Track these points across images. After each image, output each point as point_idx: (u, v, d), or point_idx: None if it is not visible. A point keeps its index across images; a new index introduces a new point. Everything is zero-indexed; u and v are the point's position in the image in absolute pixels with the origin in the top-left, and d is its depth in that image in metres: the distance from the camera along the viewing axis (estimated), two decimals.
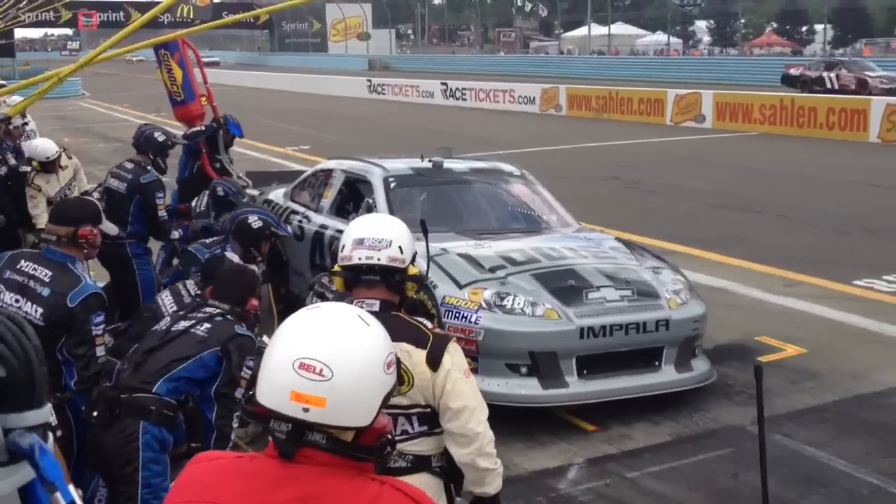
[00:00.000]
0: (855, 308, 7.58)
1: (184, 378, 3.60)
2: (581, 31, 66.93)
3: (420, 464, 2.69)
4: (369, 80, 40.14)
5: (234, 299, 3.90)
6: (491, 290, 5.43)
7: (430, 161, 6.89)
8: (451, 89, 33.26)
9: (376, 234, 2.71)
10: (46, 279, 3.75)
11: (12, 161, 7.50)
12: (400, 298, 2.76)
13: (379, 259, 2.68)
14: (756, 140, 20.25)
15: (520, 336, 5.31)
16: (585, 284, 5.58)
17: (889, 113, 19.00)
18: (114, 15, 59.78)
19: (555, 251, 5.98)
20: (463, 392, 2.63)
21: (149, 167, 6.78)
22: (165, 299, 4.66)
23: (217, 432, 3.62)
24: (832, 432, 5.29)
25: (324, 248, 6.74)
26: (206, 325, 3.71)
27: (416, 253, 2.80)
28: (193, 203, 7.14)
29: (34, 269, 3.78)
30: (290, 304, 6.60)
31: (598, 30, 64.12)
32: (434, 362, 2.61)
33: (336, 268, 2.78)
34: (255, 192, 8.26)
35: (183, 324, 3.76)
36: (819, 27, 59.60)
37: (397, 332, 2.61)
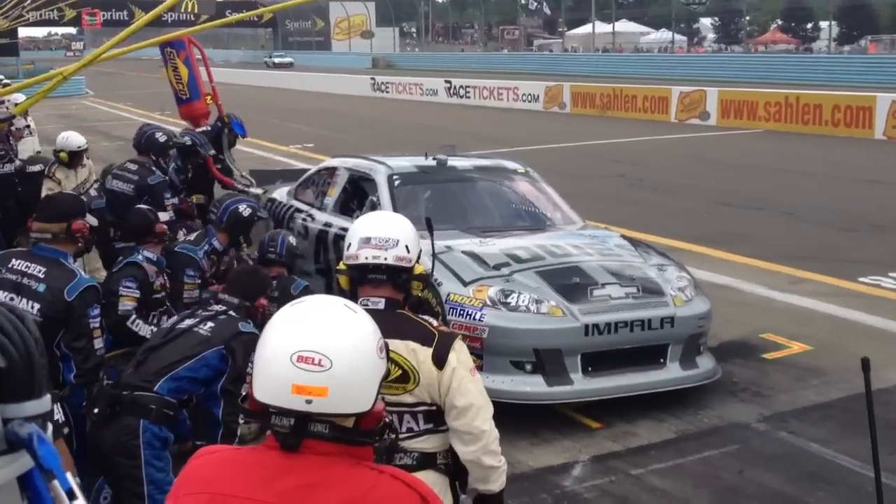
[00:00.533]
0: (860, 305, 7.56)
1: (186, 377, 3.61)
2: (585, 29, 66.90)
3: (425, 461, 2.69)
4: (373, 79, 40.17)
5: (246, 294, 3.95)
6: (496, 288, 5.43)
7: (434, 159, 6.89)
8: (454, 87, 33.26)
9: (383, 234, 2.70)
10: (41, 275, 3.76)
11: (18, 162, 7.50)
12: (405, 296, 2.76)
13: (386, 259, 2.67)
14: (761, 137, 20.22)
15: (524, 333, 5.31)
16: (590, 282, 5.58)
17: (895, 110, 18.94)
18: (118, 13, 59.87)
19: (559, 248, 5.98)
20: (469, 390, 2.63)
21: (153, 168, 6.79)
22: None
23: (224, 428, 3.63)
24: (838, 429, 5.27)
25: (328, 247, 6.74)
26: (210, 324, 3.72)
27: (420, 251, 2.80)
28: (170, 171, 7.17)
29: (27, 267, 3.79)
30: None
31: (602, 27, 64.07)
32: (440, 360, 2.61)
33: (341, 266, 2.77)
34: (258, 191, 8.27)
35: (187, 322, 3.78)
36: (824, 24, 59.48)
37: (403, 330, 2.62)
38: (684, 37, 67.60)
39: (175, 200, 6.87)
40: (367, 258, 2.67)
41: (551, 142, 19.84)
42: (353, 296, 2.65)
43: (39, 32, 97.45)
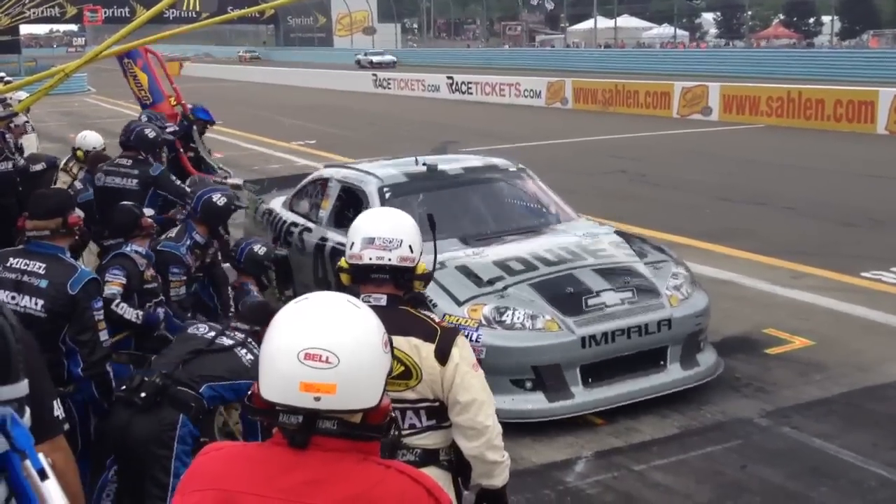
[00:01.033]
0: (862, 300, 7.56)
1: (221, 392, 3.71)
2: (587, 24, 66.83)
3: (428, 457, 2.70)
4: (375, 75, 40.17)
5: (256, 322, 3.96)
6: (490, 306, 5.37)
7: (424, 164, 6.80)
8: (456, 83, 33.24)
9: (387, 234, 2.69)
10: (42, 271, 3.77)
11: (21, 161, 7.52)
12: (405, 291, 2.76)
13: (390, 259, 2.67)
14: (763, 132, 20.19)
15: (522, 351, 5.26)
16: (584, 290, 5.53)
17: None
18: (119, 10, 59.83)
19: (552, 254, 5.88)
20: (472, 385, 2.64)
21: (150, 159, 6.82)
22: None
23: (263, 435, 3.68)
24: (840, 424, 5.28)
25: (325, 262, 6.66)
26: (250, 357, 3.75)
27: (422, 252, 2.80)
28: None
29: (26, 265, 3.79)
30: None
31: (604, 23, 64.02)
32: (442, 356, 2.62)
33: (343, 263, 2.77)
34: (238, 181, 8.29)
35: (227, 341, 3.85)
36: (826, 19, 59.39)
37: (406, 326, 2.63)
38: (686, 32, 67.50)
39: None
40: (371, 259, 2.68)
41: (553, 138, 19.84)
42: (353, 292, 2.66)
43: (41, 29, 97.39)
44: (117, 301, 4.60)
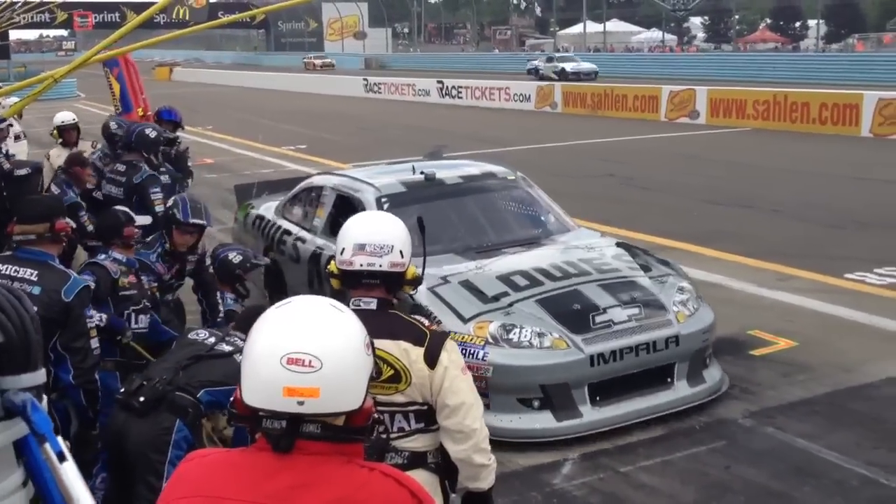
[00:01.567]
0: (846, 301, 7.63)
1: (219, 398, 3.67)
2: (577, 29, 67.03)
3: (416, 460, 2.73)
4: (365, 79, 40.18)
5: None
6: (496, 323, 5.25)
7: (422, 173, 6.63)
8: (447, 87, 33.30)
9: (378, 240, 2.71)
10: (34, 278, 3.72)
11: (7, 165, 7.54)
12: (394, 294, 2.80)
13: (381, 266, 2.70)
14: (750, 136, 20.32)
15: (529, 370, 5.15)
16: (591, 307, 5.42)
17: (881, 107, 19.07)
18: (109, 15, 59.83)
19: (557, 269, 5.76)
20: (460, 388, 2.66)
21: (141, 164, 6.81)
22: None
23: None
24: (823, 424, 5.34)
25: (321, 272, 6.45)
26: None
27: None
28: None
29: (17, 271, 3.74)
30: None
31: (593, 27, 64.27)
32: (432, 359, 2.64)
33: (333, 268, 2.80)
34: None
35: (226, 347, 3.81)
36: (812, 23, 59.76)
37: (396, 330, 2.66)
38: (674, 36, 67.80)
39: (161, 195, 6.72)
40: (362, 265, 2.70)
41: (542, 141, 19.91)
42: (343, 296, 2.70)
43: (31, 35, 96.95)
44: None
